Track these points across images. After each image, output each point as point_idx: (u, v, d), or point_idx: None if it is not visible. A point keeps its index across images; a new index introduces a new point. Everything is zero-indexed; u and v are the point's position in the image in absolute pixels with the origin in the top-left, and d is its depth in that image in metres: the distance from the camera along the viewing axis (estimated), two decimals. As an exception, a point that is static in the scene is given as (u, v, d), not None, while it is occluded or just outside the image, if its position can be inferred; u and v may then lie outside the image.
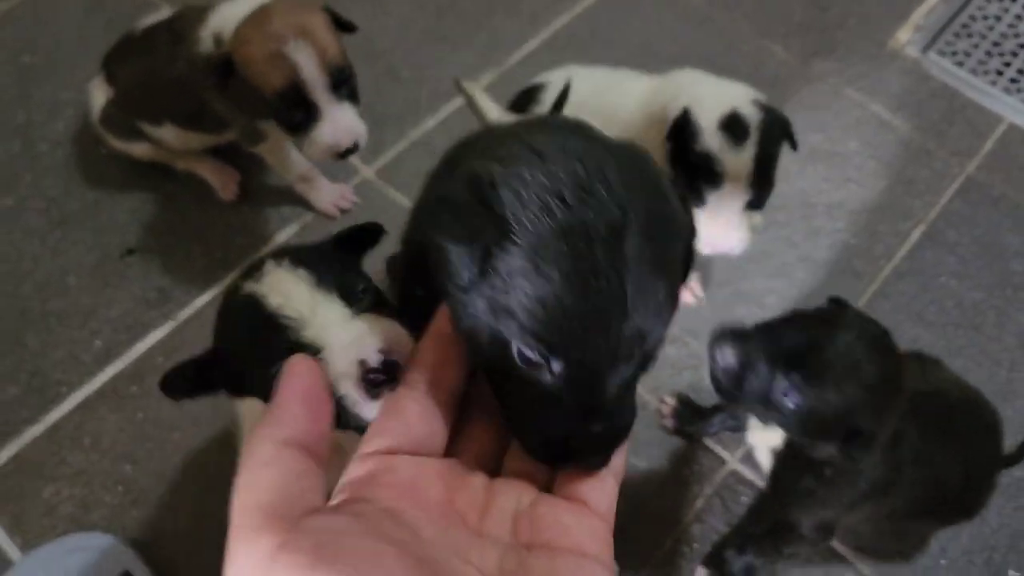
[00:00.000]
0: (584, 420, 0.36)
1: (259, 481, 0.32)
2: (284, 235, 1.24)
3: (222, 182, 1.26)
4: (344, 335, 0.52)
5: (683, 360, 1.17)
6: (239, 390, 0.58)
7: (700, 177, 0.97)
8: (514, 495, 0.37)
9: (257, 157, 1.22)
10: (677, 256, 0.37)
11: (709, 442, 1.14)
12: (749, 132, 0.96)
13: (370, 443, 0.36)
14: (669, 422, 1.12)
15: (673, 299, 0.37)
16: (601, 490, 0.38)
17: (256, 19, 0.93)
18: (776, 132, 0.99)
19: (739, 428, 1.06)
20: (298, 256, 0.56)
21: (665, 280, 0.36)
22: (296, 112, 0.94)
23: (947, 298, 1.26)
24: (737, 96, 0.98)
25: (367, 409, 0.51)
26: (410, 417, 0.37)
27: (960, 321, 1.24)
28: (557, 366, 0.35)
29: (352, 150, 0.97)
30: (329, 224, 1.25)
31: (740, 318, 1.22)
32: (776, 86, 1.41)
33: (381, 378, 0.50)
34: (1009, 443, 0.98)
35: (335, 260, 0.57)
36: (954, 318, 1.24)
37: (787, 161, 1.36)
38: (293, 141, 1.03)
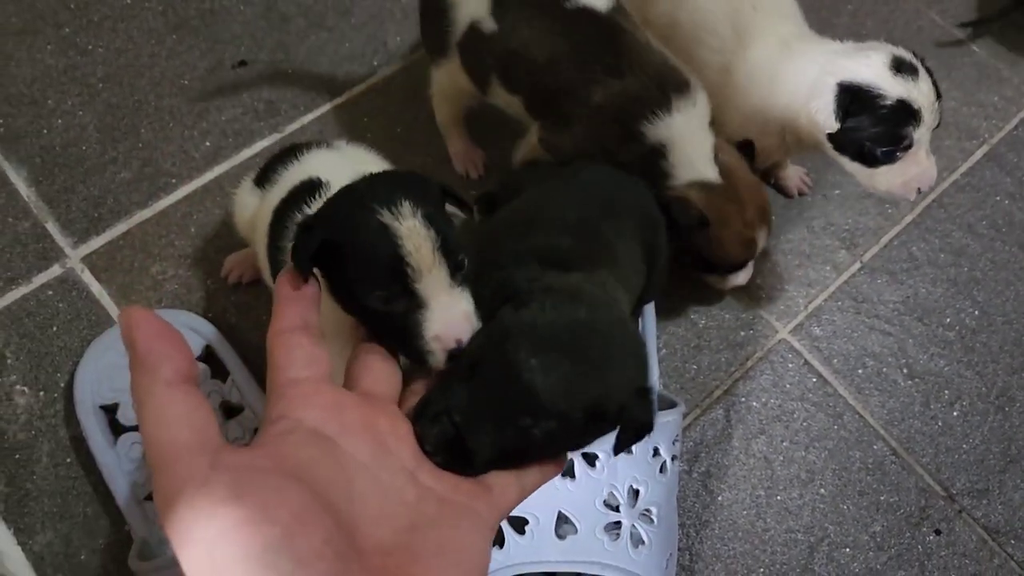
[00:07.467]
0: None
1: (167, 420, 0.33)
2: (388, 69, 1.30)
3: None
4: (448, 301, 0.57)
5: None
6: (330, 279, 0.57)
7: (887, 137, 0.95)
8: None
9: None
10: None
11: (764, 312, 1.22)
12: (916, 67, 0.96)
13: (300, 371, 0.40)
14: None
15: None
16: (503, 479, 0.44)
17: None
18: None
19: None
20: (425, 205, 0.56)
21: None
22: None
23: (999, 215, 1.33)
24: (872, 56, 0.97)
25: (437, 364, 0.56)
26: (320, 358, 0.42)
27: (1007, 239, 1.31)
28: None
29: None
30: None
31: (807, 206, 1.30)
32: (864, 1, 1.46)
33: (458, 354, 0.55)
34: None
35: (445, 213, 0.59)
36: (1003, 234, 1.32)
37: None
38: None
